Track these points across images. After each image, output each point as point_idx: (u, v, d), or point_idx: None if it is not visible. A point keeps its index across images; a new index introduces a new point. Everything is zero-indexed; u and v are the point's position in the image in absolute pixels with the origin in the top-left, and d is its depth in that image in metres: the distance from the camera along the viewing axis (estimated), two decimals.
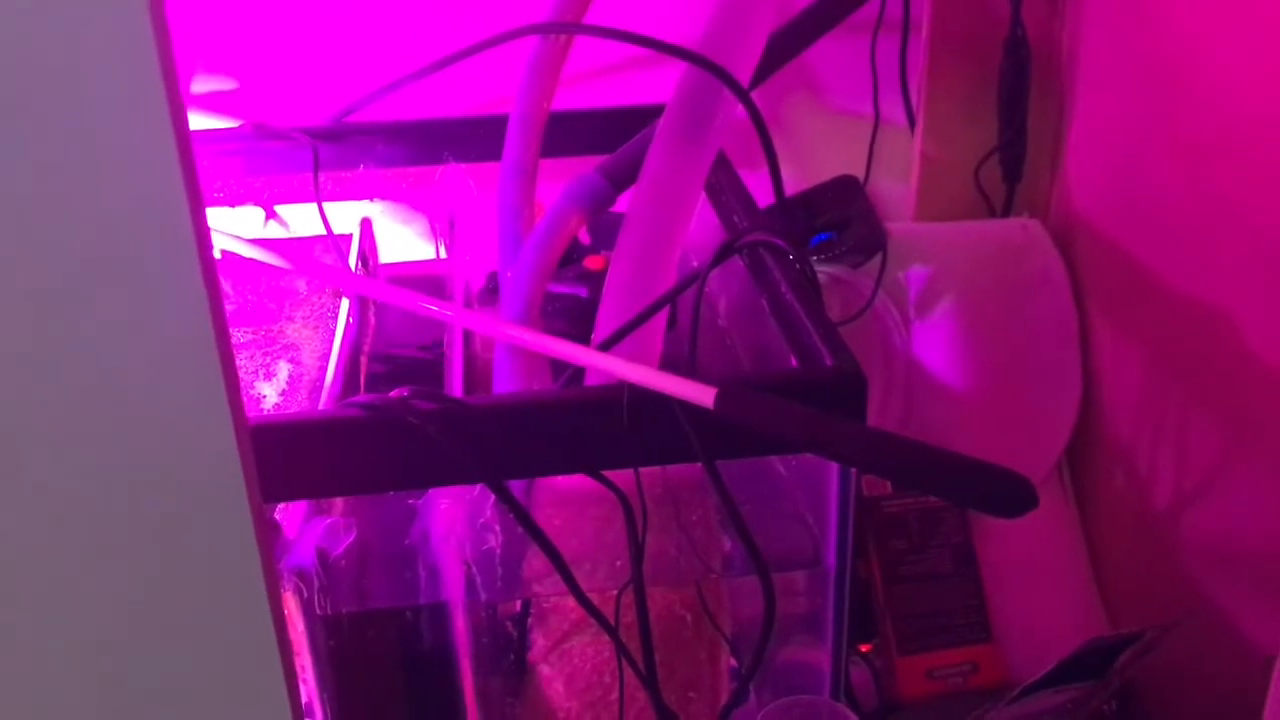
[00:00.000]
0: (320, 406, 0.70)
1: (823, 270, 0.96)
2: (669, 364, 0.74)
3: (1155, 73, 0.83)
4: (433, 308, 0.69)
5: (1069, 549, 0.94)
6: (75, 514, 0.40)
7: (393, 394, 0.57)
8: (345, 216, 0.94)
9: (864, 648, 0.90)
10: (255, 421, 0.57)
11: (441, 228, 0.97)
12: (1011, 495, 0.49)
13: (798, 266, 0.70)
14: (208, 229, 0.40)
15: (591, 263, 0.87)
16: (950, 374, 0.96)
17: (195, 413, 0.40)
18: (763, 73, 0.89)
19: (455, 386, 0.73)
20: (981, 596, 0.89)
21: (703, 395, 0.55)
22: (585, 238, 0.90)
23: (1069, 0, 0.93)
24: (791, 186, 0.99)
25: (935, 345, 0.96)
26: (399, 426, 0.55)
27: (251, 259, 0.80)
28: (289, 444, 0.56)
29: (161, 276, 0.38)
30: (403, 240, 1.00)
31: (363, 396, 0.58)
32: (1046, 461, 0.96)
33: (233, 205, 0.95)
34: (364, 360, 0.83)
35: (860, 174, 1.01)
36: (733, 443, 0.59)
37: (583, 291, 0.85)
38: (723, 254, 0.73)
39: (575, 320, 0.83)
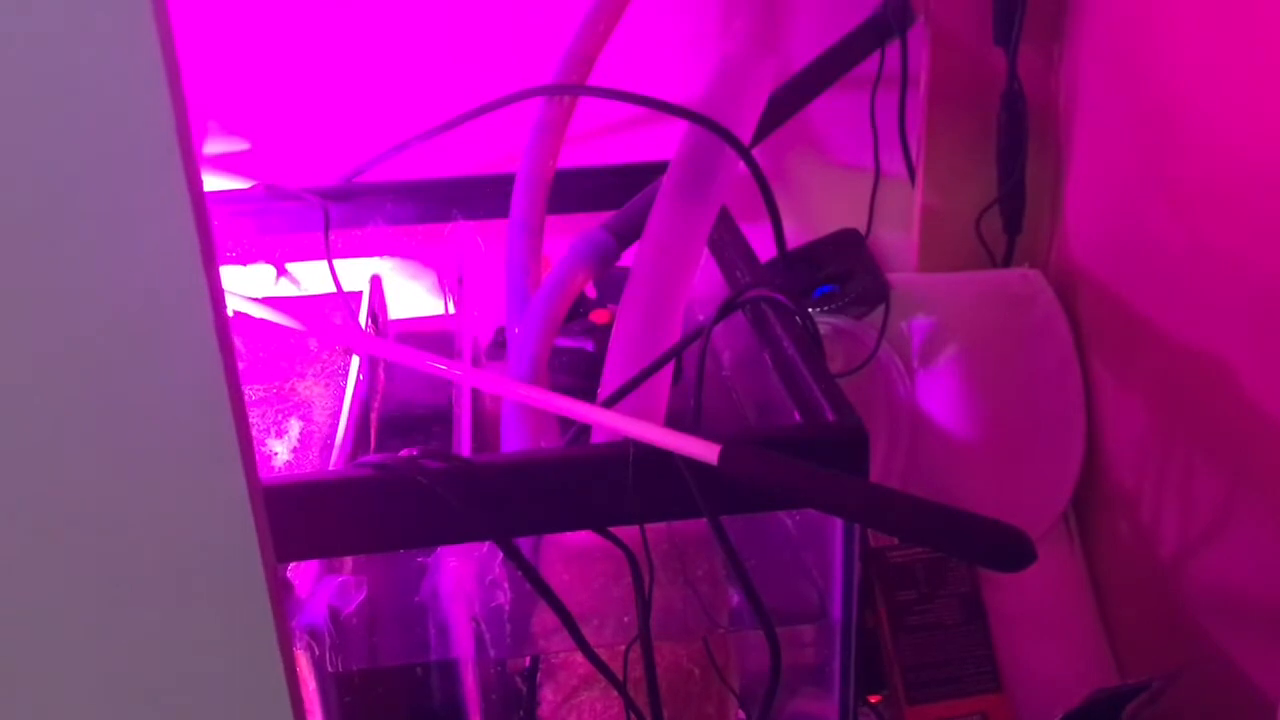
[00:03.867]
0: (331, 464, 0.71)
1: (826, 322, 0.97)
2: (674, 417, 0.74)
3: (1149, 124, 0.84)
4: (441, 367, 0.70)
5: (1076, 597, 0.94)
6: (88, 573, 0.41)
7: (402, 453, 0.58)
8: (356, 273, 0.96)
9: (873, 698, 0.90)
10: (267, 482, 0.59)
11: (450, 284, 0.98)
12: (1011, 550, 0.50)
13: (799, 321, 0.71)
14: (222, 291, 0.41)
15: (597, 317, 0.89)
16: (954, 423, 0.96)
17: (209, 475, 0.41)
18: (765, 129, 0.91)
19: (464, 443, 0.74)
20: (990, 646, 0.89)
21: (707, 452, 0.56)
22: (591, 292, 0.92)
23: (1065, 54, 0.95)
24: (795, 239, 1.01)
25: (939, 395, 0.97)
26: (408, 486, 0.56)
27: (262, 319, 0.81)
28: (300, 504, 0.57)
29: (176, 340, 0.40)
30: (413, 296, 1.02)
31: (373, 456, 0.59)
32: (1052, 510, 0.96)
33: (245, 264, 0.97)
34: (374, 417, 0.84)
35: (862, 226, 1.03)
36: (737, 498, 0.59)
37: (589, 345, 0.86)
38: (726, 310, 0.74)
39: (582, 374, 0.84)
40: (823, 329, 0.98)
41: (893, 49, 0.96)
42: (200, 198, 0.39)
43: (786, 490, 0.56)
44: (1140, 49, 0.84)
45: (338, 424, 0.76)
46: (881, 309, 0.96)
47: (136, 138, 0.37)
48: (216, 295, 0.40)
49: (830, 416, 0.61)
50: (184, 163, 0.38)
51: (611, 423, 0.59)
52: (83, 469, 0.40)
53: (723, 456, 0.56)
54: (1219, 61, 0.75)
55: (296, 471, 0.74)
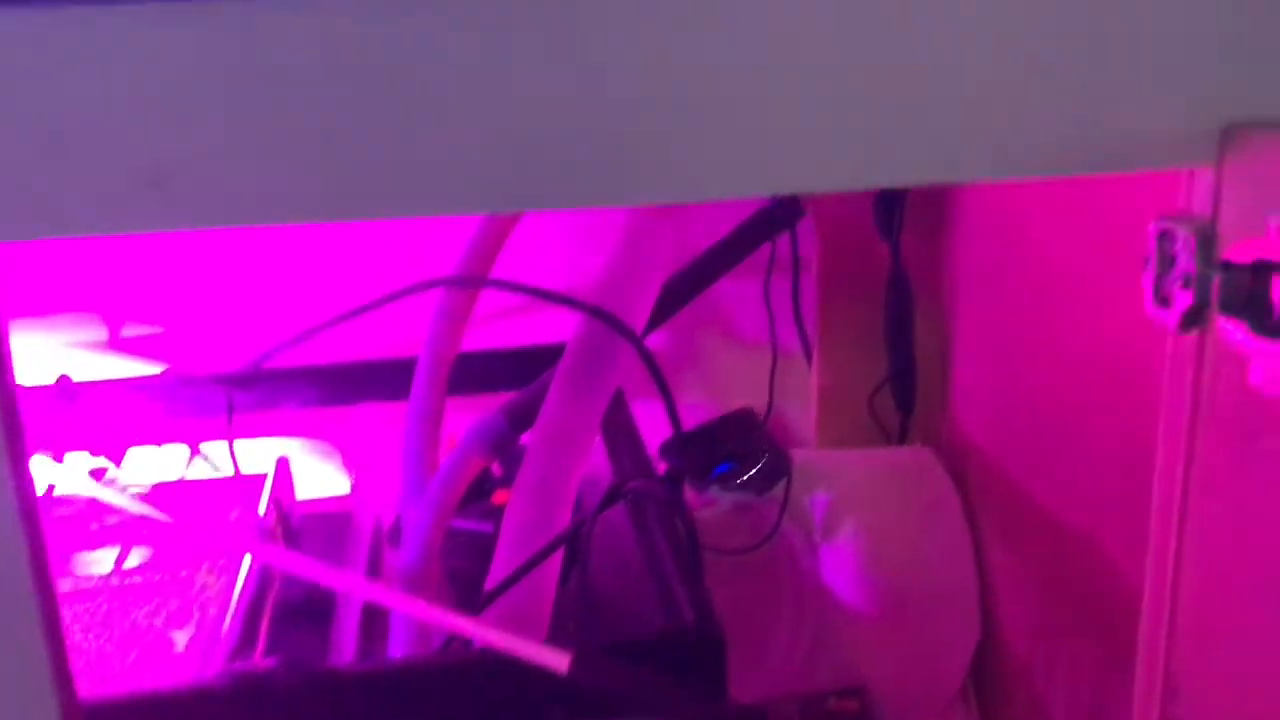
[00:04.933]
0: (213, 661, 0.71)
1: (728, 498, 0.99)
2: (571, 604, 0.76)
3: (1020, 311, 0.88)
4: (325, 571, 0.71)
5: None
6: None
7: (261, 663, 0.59)
8: (266, 452, 0.97)
9: None
10: (115, 698, 0.59)
11: (352, 467, 1.00)
12: None
13: (674, 517, 0.73)
14: (33, 496, 0.41)
15: (499, 498, 0.90)
16: (857, 598, 0.98)
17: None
18: (663, 314, 0.94)
19: (346, 641, 0.75)
20: None
21: (557, 661, 0.58)
22: (497, 470, 0.94)
23: (945, 246, 0.99)
24: (704, 413, 1.03)
25: (841, 570, 0.98)
26: (263, 698, 0.57)
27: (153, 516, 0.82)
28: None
29: None
30: (322, 475, 1.04)
31: (236, 665, 0.60)
32: (953, 682, 0.97)
33: (159, 444, 0.99)
34: (272, 603, 0.85)
35: (765, 402, 1.05)
36: (596, 706, 0.60)
37: (487, 528, 0.88)
38: (606, 502, 0.76)
39: (479, 557, 0.85)
40: (725, 505, 1.00)
41: (784, 236, 1.00)
42: (12, 399, 0.40)
43: (637, 701, 0.57)
44: (1007, 245, 0.89)
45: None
46: (783, 484, 0.98)
47: None
48: (26, 501, 0.40)
49: (689, 620, 0.63)
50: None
51: (465, 629, 0.61)
52: None
53: (573, 665, 0.57)
54: (1080, 253, 0.79)
55: (186, 667, 0.75)
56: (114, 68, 0.35)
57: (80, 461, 0.95)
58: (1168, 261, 0.41)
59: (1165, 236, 0.41)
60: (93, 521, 0.90)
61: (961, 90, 0.39)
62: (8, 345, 0.40)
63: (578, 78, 0.38)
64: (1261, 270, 0.38)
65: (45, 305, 1.00)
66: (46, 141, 0.35)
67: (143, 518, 0.87)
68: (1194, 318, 0.40)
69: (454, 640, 0.70)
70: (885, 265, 0.99)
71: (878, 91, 0.39)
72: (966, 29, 0.39)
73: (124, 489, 0.87)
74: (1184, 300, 0.40)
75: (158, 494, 0.92)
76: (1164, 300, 0.42)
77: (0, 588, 0.39)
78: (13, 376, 0.41)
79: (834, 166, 0.40)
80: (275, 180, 0.36)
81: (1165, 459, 0.45)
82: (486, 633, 0.59)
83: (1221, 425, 0.42)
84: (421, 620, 0.66)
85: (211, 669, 0.71)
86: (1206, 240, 0.40)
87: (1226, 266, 0.39)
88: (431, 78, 0.38)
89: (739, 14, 0.39)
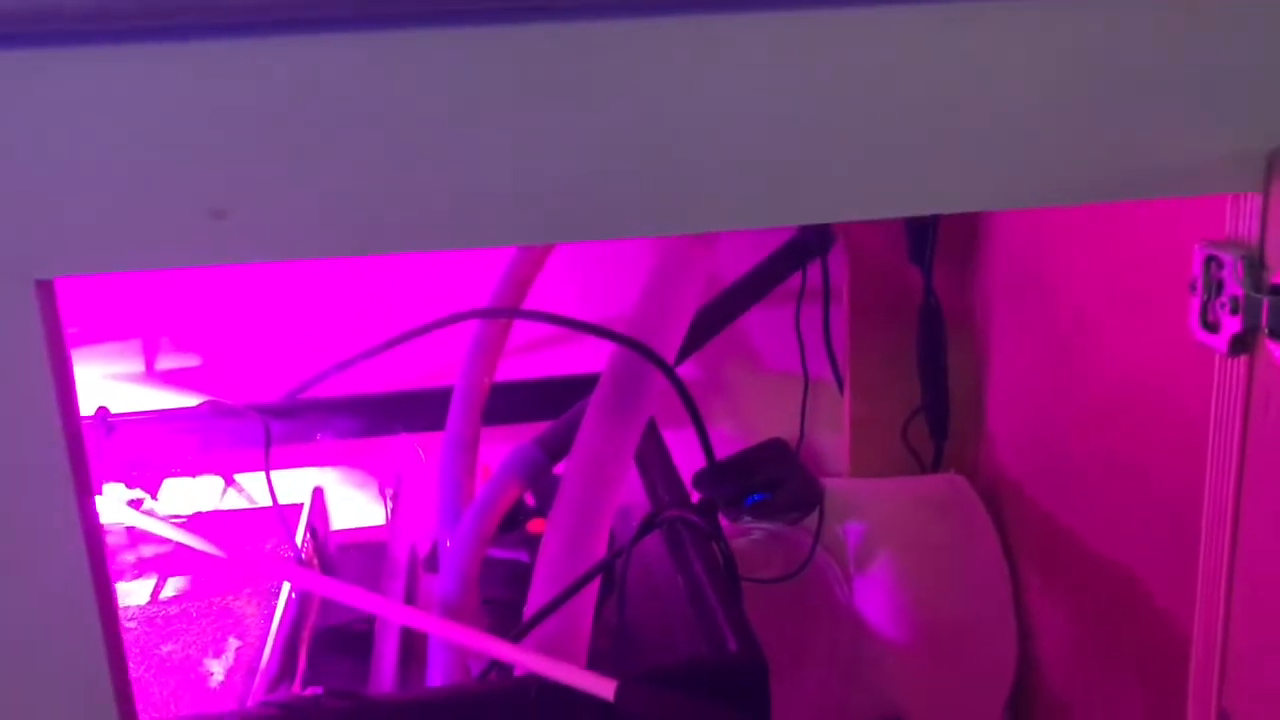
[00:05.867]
0: (253, 693, 0.72)
1: (762, 528, 0.99)
2: (608, 632, 0.76)
3: (1053, 342, 0.88)
4: (366, 596, 0.72)
5: None
6: None
7: (306, 692, 0.59)
8: (301, 483, 0.98)
9: None
10: None
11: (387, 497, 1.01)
12: None
13: (713, 544, 0.73)
14: (99, 525, 0.42)
15: (534, 526, 0.90)
16: (892, 629, 0.97)
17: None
18: (694, 344, 0.95)
19: (385, 670, 0.75)
20: None
21: (603, 688, 0.58)
22: (531, 500, 0.94)
23: (976, 274, 1.00)
24: (735, 444, 1.03)
25: (876, 600, 0.98)
26: None
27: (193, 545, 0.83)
28: None
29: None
30: (358, 504, 1.04)
31: (278, 695, 0.60)
32: (992, 713, 0.96)
33: (194, 475, 0.99)
34: (309, 632, 0.85)
35: (796, 431, 1.06)
36: None
37: (524, 556, 0.88)
38: (643, 530, 0.76)
39: (516, 585, 0.85)
40: (759, 535, 1.00)
41: (815, 265, 1.00)
42: (79, 443, 0.41)
43: None
44: (1040, 272, 0.89)
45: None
46: (816, 513, 0.98)
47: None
48: (91, 532, 0.41)
49: (732, 647, 0.63)
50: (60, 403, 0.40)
51: (511, 656, 0.61)
52: None
53: (619, 694, 0.57)
54: (1110, 285, 0.79)
55: (225, 697, 0.75)
56: (178, 103, 0.36)
57: (117, 493, 0.96)
58: (1215, 286, 0.41)
59: (1212, 261, 0.42)
60: (129, 552, 0.91)
61: (1009, 118, 0.40)
62: (74, 383, 0.41)
63: (614, 112, 0.39)
64: None
65: (83, 337, 1.01)
66: (113, 176, 0.36)
67: (179, 547, 0.87)
68: (1243, 342, 0.41)
69: (493, 667, 0.70)
70: (917, 292, 0.99)
71: (929, 121, 0.39)
72: (1013, 59, 0.39)
73: (163, 519, 0.87)
74: (1232, 325, 0.41)
75: (194, 524, 0.93)
76: (1211, 325, 0.42)
77: (67, 613, 0.39)
78: (78, 415, 0.42)
79: (879, 194, 0.41)
80: (330, 213, 0.37)
81: (1214, 483, 0.45)
82: (533, 660, 0.59)
83: (1273, 448, 0.41)
84: (466, 647, 0.66)
85: (251, 699, 0.72)
86: (1254, 265, 0.40)
87: (1276, 290, 0.39)
88: (477, 113, 0.38)
89: (777, 46, 0.39)
